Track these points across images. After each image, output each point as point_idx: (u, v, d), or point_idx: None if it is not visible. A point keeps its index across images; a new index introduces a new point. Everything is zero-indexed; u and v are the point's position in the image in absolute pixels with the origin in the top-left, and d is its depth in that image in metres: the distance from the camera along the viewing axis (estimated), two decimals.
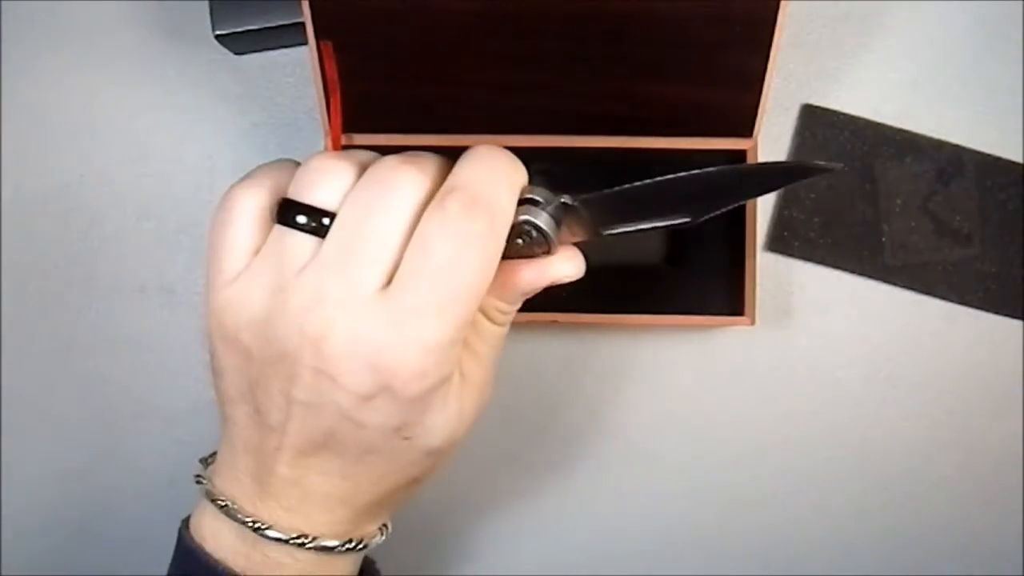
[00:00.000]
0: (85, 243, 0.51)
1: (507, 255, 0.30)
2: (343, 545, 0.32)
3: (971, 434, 0.50)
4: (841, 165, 0.31)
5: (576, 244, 0.32)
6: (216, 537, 0.32)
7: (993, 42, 0.50)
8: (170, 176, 0.51)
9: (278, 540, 0.31)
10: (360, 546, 0.33)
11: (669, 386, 0.51)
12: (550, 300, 0.48)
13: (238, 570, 0.32)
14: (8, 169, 0.51)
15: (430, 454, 0.31)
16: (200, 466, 0.35)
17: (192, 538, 0.33)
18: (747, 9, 0.41)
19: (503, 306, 0.32)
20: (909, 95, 0.50)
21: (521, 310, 0.49)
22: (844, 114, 0.50)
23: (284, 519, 0.31)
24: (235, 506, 0.32)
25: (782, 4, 0.41)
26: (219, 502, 0.32)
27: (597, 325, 0.49)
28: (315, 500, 0.31)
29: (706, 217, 0.31)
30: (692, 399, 0.51)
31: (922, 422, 0.51)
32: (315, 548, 0.31)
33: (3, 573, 0.52)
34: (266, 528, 0.31)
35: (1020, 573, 0.51)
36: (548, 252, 0.31)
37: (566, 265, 0.32)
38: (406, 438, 0.29)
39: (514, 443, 0.51)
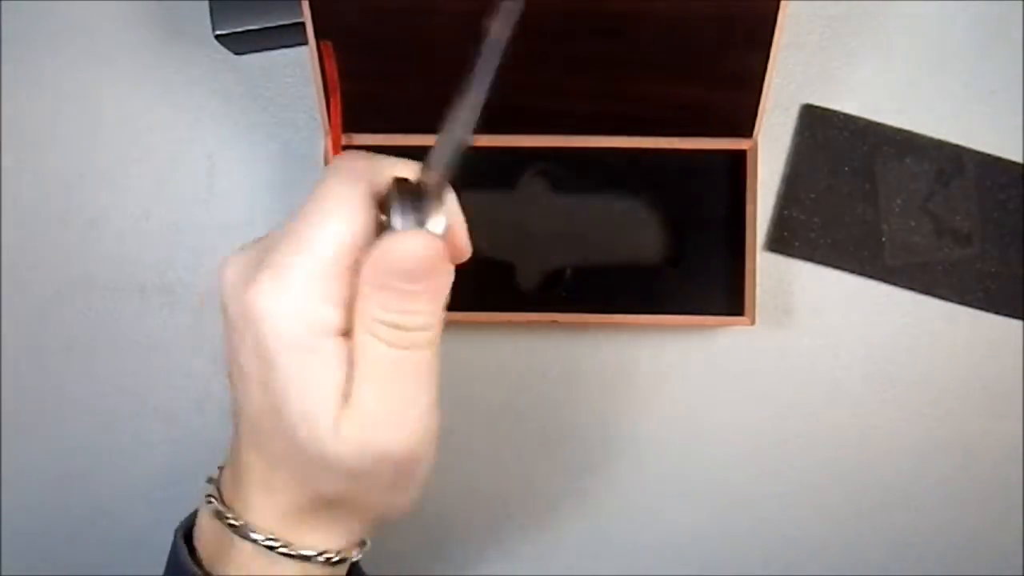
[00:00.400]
0: (85, 243, 0.51)
1: None
2: (279, 545, 0.32)
3: (971, 434, 0.50)
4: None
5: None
6: (203, 536, 0.33)
7: (993, 42, 0.50)
8: (170, 176, 0.51)
9: (250, 540, 0.31)
10: (297, 554, 0.32)
11: (669, 386, 0.51)
12: (550, 300, 0.48)
13: (217, 571, 0.32)
14: (8, 169, 0.51)
15: (300, 448, 0.29)
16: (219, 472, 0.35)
17: (180, 542, 0.33)
18: (747, 9, 0.41)
19: (375, 311, 0.28)
20: (909, 95, 0.50)
21: (519, 310, 0.49)
22: (844, 114, 0.50)
23: (236, 503, 0.32)
24: (222, 506, 0.32)
25: (782, 4, 0.41)
26: (209, 498, 0.33)
27: (597, 325, 0.49)
28: (249, 479, 0.31)
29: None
30: (692, 399, 0.51)
31: (922, 422, 0.51)
32: (255, 541, 0.31)
33: (3, 573, 0.52)
34: (239, 524, 0.31)
35: (1020, 573, 0.51)
36: None
37: (402, 239, 0.27)
38: (275, 409, 0.29)
39: (514, 443, 0.51)
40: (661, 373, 0.51)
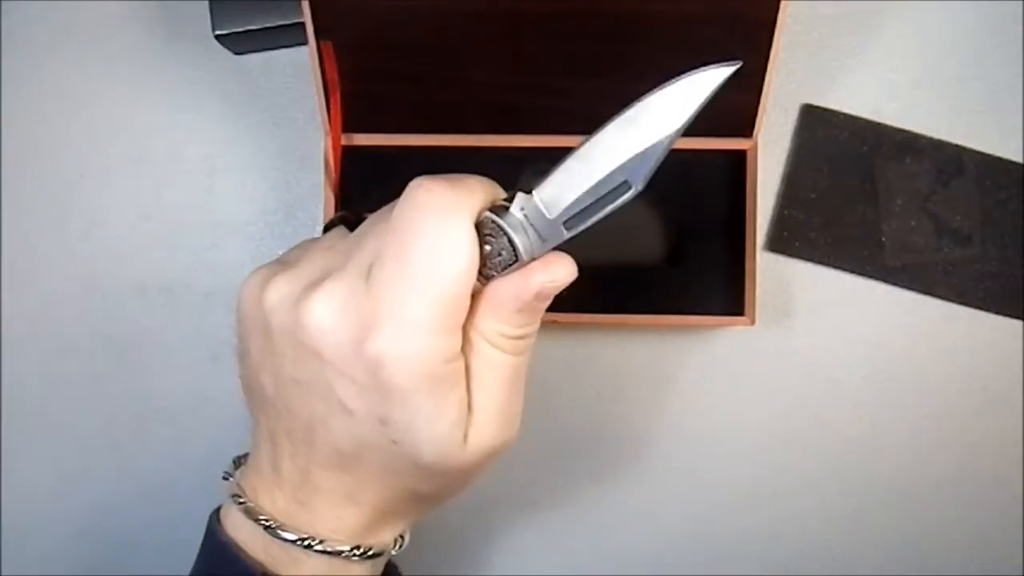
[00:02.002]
0: (85, 243, 0.51)
1: (485, 269, 0.29)
2: (353, 551, 0.32)
3: (971, 434, 0.50)
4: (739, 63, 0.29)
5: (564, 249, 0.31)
6: (240, 531, 0.33)
7: (993, 42, 0.50)
8: (170, 176, 0.51)
9: (286, 540, 0.31)
10: (372, 553, 0.33)
11: (669, 386, 0.51)
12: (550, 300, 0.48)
13: (261, 563, 0.32)
14: (8, 169, 0.51)
15: (420, 467, 0.30)
16: (231, 465, 0.35)
17: (224, 531, 0.33)
18: (747, 9, 0.41)
19: (501, 328, 0.30)
20: (909, 95, 0.50)
21: None
22: (844, 114, 0.50)
23: (297, 515, 0.32)
24: (253, 504, 0.32)
25: (782, 4, 0.41)
26: (239, 499, 0.33)
27: (597, 325, 0.49)
28: (322, 495, 0.32)
29: (649, 178, 0.29)
30: (692, 399, 0.51)
31: (922, 422, 0.51)
32: (324, 551, 0.32)
33: (3, 573, 0.52)
34: (276, 527, 0.32)
35: (1020, 573, 0.51)
36: (523, 259, 0.30)
37: (550, 269, 0.30)
38: (393, 441, 0.29)
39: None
40: (661, 373, 0.51)
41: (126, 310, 0.51)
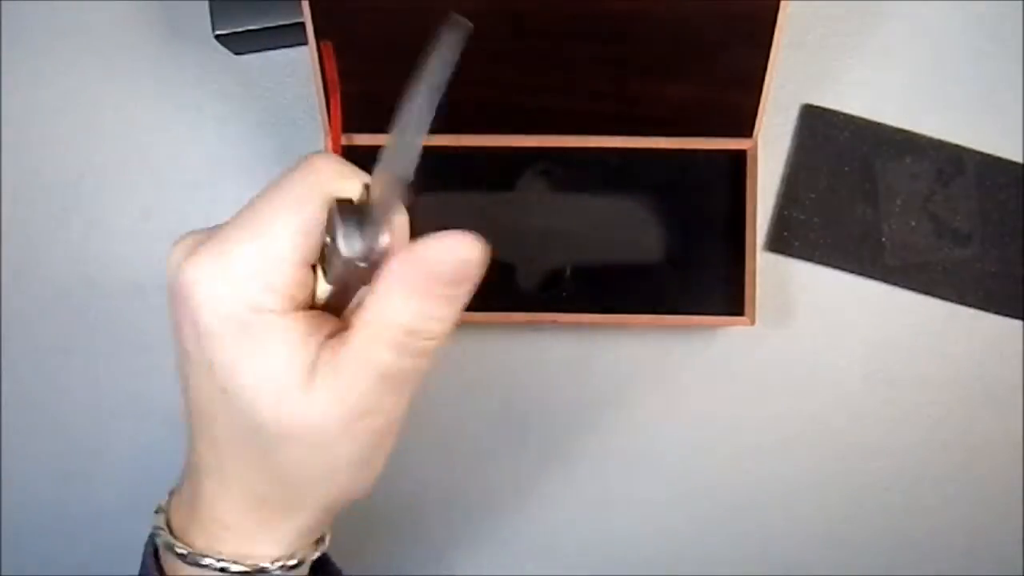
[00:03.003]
0: (85, 243, 0.51)
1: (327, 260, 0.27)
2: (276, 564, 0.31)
3: (971, 434, 0.50)
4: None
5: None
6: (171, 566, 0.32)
7: (993, 42, 0.50)
8: (170, 176, 0.51)
9: (199, 566, 0.30)
10: (295, 563, 0.31)
11: (669, 386, 0.51)
12: (550, 300, 0.48)
13: None
14: (8, 169, 0.51)
15: (260, 425, 0.28)
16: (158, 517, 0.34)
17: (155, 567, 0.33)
18: (747, 9, 0.41)
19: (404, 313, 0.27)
20: (909, 95, 0.50)
21: (519, 310, 0.49)
22: (844, 114, 0.50)
23: (188, 530, 0.31)
24: (168, 533, 0.32)
25: (782, 4, 0.41)
26: (157, 530, 0.32)
27: (597, 325, 0.49)
28: (204, 487, 0.31)
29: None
30: (692, 399, 0.51)
31: (922, 422, 0.51)
32: (244, 572, 0.31)
33: (3, 573, 0.52)
34: (186, 552, 0.31)
35: (1020, 573, 0.51)
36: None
37: (451, 241, 0.26)
38: (223, 390, 0.28)
39: (513, 442, 0.51)
40: (661, 373, 0.51)
41: (126, 310, 0.51)
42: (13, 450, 0.51)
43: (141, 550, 0.35)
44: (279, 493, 0.30)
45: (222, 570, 0.30)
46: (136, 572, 0.36)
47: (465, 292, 0.27)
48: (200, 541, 0.31)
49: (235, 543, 0.31)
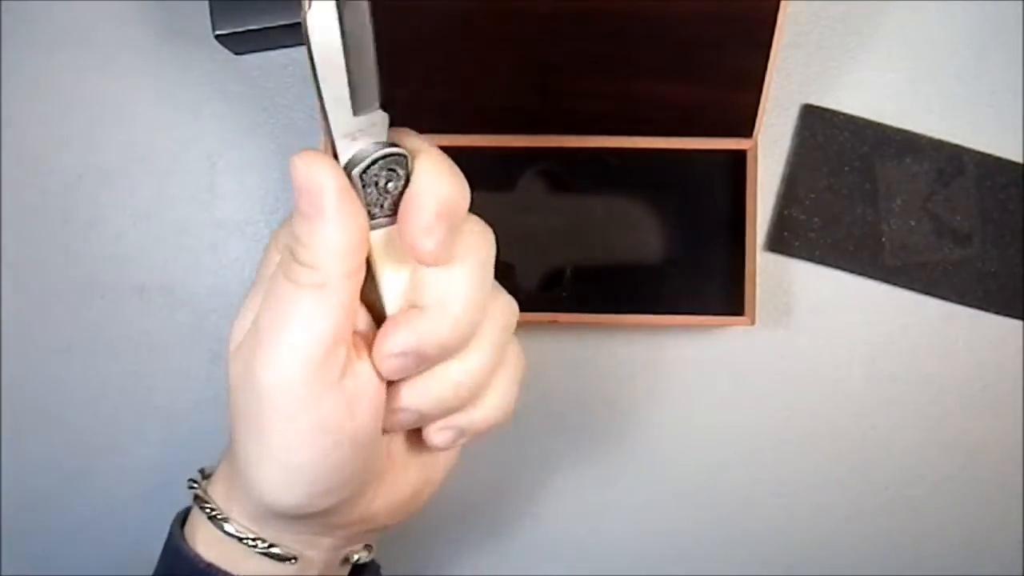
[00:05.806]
0: (85, 243, 0.51)
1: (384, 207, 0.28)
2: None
3: (971, 434, 0.50)
4: None
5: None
6: (202, 537, 0.33)
7: (993, 42, 0.50)
8: (170, 176, 0.51)
9: (233, 536, 0.31)
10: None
11: (669, 386, 0.51)
12: (550, 300, 0.48)
13: (225, 567, 0.32)
14: (8, 169, 0.51)
15: (258, 388, 0.27)
16: (197, 474, 0.35)
17: (181, 535, 0.33)
18: (747, 9, 0.41)
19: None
20: (909, 95, 0.50)
21: (520, 310, 0.49)
22: (844, 114, 0.50)
23: (230, 506, 0.32)
24: (211, 503, 0.33)
25: (782, 4, 0.41)
26: (200, 500, 0.33)
27: (597, 325, 0.49)
28: (238, 474, 0.31)
29: None
30: (692, 399, 0.51)
31: (922, 422, 0.51)
32: (266, 554, 0.31)
33: (3, 573, 0.52)
34: (224, 520, 0.31)
35: (1020, 573, 0.51)
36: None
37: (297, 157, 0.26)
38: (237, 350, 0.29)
39: (513, 442, 0.51)
40: (661, 373, 0.51)
41: (126, 310, 0.51)
42: (13, 450, 0.51)
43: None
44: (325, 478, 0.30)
45: (239, 539, 0.31)
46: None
47: (321, 229, 0.26)
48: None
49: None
